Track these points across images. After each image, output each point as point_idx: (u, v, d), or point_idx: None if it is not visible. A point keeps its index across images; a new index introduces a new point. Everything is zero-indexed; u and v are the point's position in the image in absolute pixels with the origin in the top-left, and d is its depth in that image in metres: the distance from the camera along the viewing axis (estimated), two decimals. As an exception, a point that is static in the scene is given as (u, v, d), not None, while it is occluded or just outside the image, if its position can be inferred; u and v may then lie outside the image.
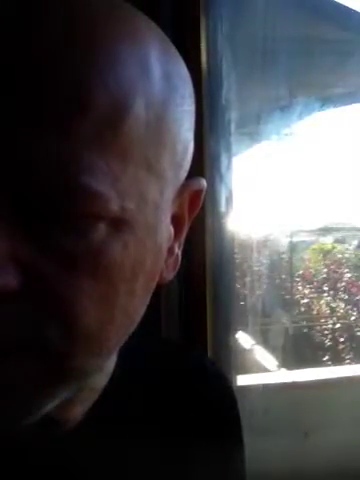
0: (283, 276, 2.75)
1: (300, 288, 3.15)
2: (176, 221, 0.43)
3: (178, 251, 0.44)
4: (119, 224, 0.36)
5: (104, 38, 0.35)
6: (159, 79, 0.37)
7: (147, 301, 0.41)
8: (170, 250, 0.43)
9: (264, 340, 2.24)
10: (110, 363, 0.47)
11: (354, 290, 3.30)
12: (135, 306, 0.39)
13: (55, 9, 0.34)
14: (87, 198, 0.33)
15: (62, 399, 0.38)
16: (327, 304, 3.25)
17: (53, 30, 0.33)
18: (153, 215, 0.38)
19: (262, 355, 2.31)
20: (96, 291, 0.35)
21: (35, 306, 0.34)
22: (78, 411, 0.45)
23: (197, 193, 0.44)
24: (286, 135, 2.18)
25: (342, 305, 3.26)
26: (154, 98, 0.37)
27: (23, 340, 0.34)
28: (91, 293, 0.35)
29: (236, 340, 1.65)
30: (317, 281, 3.32)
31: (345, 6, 2.17)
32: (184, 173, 0.42)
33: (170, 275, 0.44)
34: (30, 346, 0.34)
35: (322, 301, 3.26)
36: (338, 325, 3.17)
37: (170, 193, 0.40)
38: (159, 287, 0.43)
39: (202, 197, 0.44)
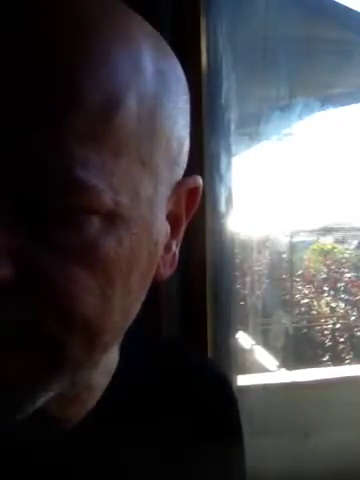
0: (283, 276, 2.75)
1: (300, 288, 3.16)
2: (173, 219, 0.43)
3: (176, 249, 0.44)
4: (113, 218, 0.36)
5: (97, 37, 0.35)
6: (152, 76, 0.38)
7: (143, 297, 0.41)
8: (167, 247, 0.43)
9: (264, 340, 2.24)
10: (111, 362, 0.47)
11: (354, 290, 3.30)
12: (131, 301, 0.39)
13: (48, 8, 0.35)
14: (81, 192, 0.34)
15: (56, 393, 0.38)
16: (327, 304, 3.25)
17: (45, 28, 0.34)
18: (147, 210, 0.38)
19: (262, 355, 2.31)
20: (92, 284, 0.36)
21: (31, 298, 0.34)
22: (80, 410, 0.45)
23: (194, 191, 0.44)
24: (286, 135, 2.18)
25: (342, 305, 3.26)
26: (146, 94, 0.37)
27: (19, 331, 0.34)
28: (87, 286, 0.35)
29: (236, 340, 1.65)
30: (317, 281, 3.32)
31: (345, 6, 2.17)
32: (180, 170, 0.42)
33: (167, 272, 0.44)
34: (26, 337, 0.35)
35: (322, 301, 3.26)
36: (338, 325, 3.17)
37: (165, 190, 0.40)
38: (158, 286, 0.43)
39: (199, 195, 0.44)
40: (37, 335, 0.35)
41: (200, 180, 0.44)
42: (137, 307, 0.41)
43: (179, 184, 0.42)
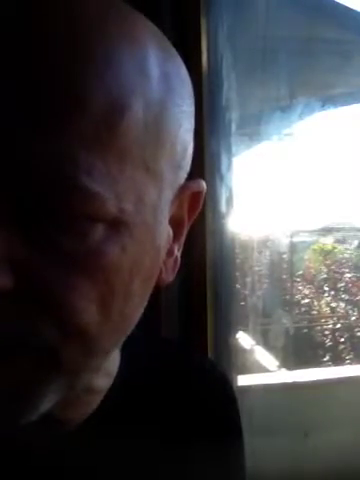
0: (283, 276, 2.75)
1: (300, 288, 3.15)
2: (175, 222, 0.43)
3: (177, 253, 0.44)
4: (117, 225, 0.36)
5: (102, 38, 0.35)
6: (157, 79, 0.37)
7: (145, 302, 0.41)
8: (169, 252, 0.43)
9: (264, 340, 2.24)
10: (113, 364, 0.47)
11: (354, 290, 3.30)
12: (132, 307, 0.39)
13: (53, 10, 0.35)
14: (85, 199, 0.33)
15: (57, 399, 0.38)
16: (327, 304, 3.25)
17: (51, 31, 0.34)
18: (151, 216, 0.38)
19: (262, 355, 2.31)
20: (93, 292, 0.35)
21: (31, 305, 0.34)
22: (82, 412, 0.45)
23: (197, 195, 0.44)
24: (286, 135, 2.18)
25: (342, 305, 3.26)
26: (152, 98, 0.37)
27: (18, 339, 0.34)
28: (88, 293, 0.35)
29: (236, 340, 1.65)
30: (317, 281, 3.32)
31: (345, 6, 2.17)
32: (184, 174, 0.42)
33: (169, 277, 0.43)
34: (25, 344, 0.35)
35: (322, 301, 3.26)
36: (338, 325, 3.17)
37: (169, 194, 0.40)
38: (159, 288, 0.43)
39: (202, 199, 0.44)
40: (36, 344, 0.35)
41: (204, 184, 0.44)
42: (139, 312, 0.41)
43: (182, 188, 0.42)
